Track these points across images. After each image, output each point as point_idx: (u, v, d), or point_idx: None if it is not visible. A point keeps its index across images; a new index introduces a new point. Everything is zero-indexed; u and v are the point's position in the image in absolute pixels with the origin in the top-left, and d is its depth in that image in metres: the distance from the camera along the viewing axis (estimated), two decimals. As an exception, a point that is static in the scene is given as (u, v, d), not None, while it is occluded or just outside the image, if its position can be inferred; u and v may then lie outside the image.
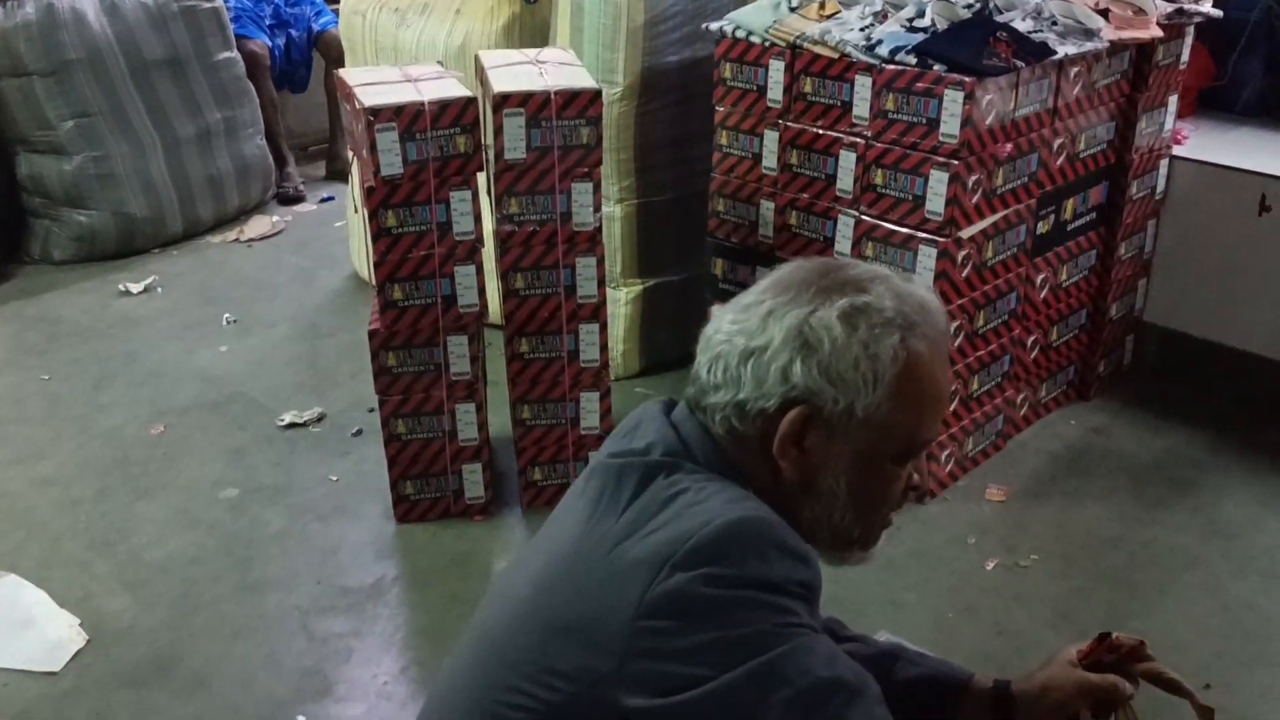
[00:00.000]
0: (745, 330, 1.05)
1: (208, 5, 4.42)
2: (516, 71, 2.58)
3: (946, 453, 2.80)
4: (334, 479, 2.92)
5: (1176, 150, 3.14)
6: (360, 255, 3.85)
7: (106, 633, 2.39)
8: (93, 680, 2.27)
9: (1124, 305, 3.23)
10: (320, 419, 3.19)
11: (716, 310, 1.11)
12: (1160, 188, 3.15)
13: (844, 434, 1.04)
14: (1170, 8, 2.91)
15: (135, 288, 4.04)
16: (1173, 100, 3.06)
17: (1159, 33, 2.81)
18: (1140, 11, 2.81)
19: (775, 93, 2.75)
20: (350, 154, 2.81)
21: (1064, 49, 2.61)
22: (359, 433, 3.10)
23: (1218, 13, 3.02)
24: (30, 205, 4.30)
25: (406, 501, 2.72)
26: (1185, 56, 3.05)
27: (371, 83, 2.49)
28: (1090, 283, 3.11)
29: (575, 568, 1.03)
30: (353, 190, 3.25)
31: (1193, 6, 2.96)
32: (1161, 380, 3.30)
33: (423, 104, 2.38)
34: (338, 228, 4.49)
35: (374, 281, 2.53)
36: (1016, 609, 2.43)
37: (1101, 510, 2.76)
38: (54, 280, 4.14)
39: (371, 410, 2.94)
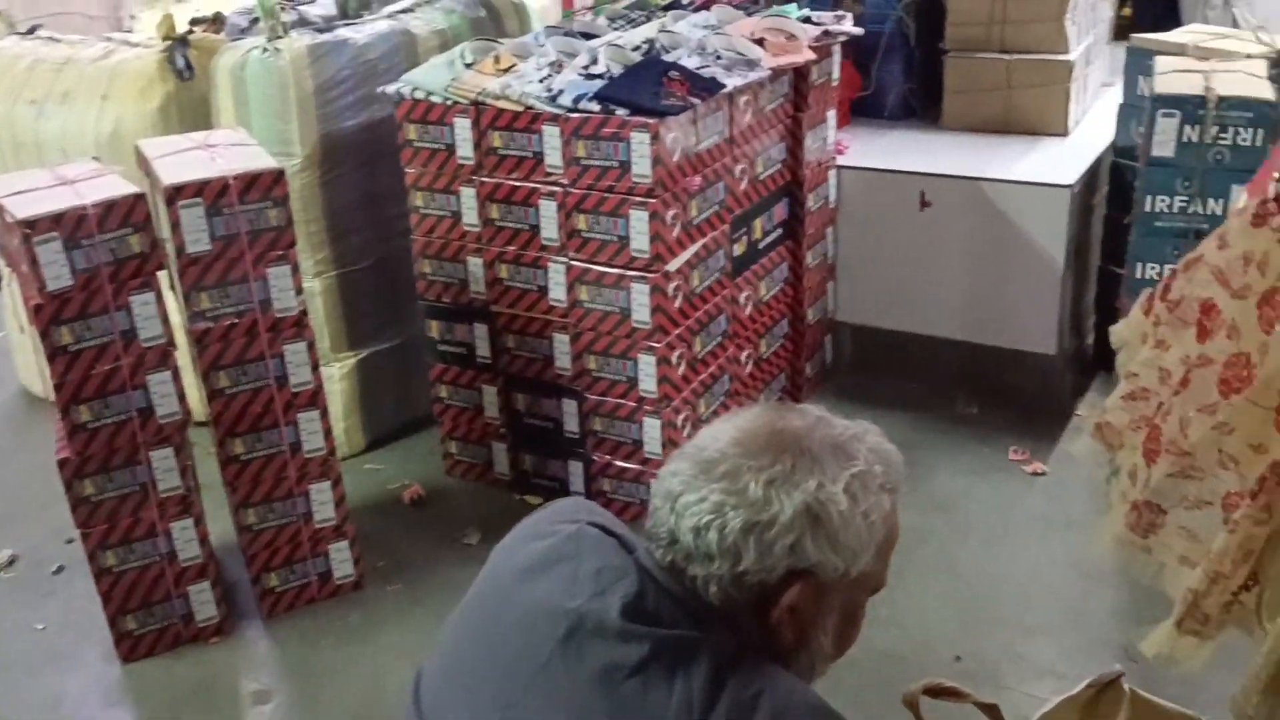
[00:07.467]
0: (746, 501, 1.02)
1: None
2: (186, 159, 2.41)
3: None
4: (40, 627, 2.62)
5: (841, 160, 3.38)
6: (31, 370, 3.48)
7: None
8: None
9: (819, 309, 3.43)
10: (11, 562, 2.85)
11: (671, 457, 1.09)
12: (833, 197, 3.37)
13: (834, 593, 1.06)
14: (818, 30, 3.12)
15: None
16: (831, 115, 3.29)
17: (811, 55, 3.01)
18: (792, 37, 3.00)
19: (465, 149, 2.72)
20: (6, 268, 2.53)
21: (732, 80, 2.74)
22: (60, 570, 2.80)
23: (859, 30, 3.28)
24: None
25: (130, 638, 2.47)
26: (836, 73, 3.28)
27: (21, 190, 2.24)
28: (786, 293, 3.28)
29: None
30: (14, 304, 2.93)
31: (837, 27, 3.20)
32: (861, 373, 3.53)
33: (85, 207, 2.17)
34: (-3, 340, 4.05)
35: (57, 404, 2.28)
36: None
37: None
38: None
39: (70, 541, 2.66)
